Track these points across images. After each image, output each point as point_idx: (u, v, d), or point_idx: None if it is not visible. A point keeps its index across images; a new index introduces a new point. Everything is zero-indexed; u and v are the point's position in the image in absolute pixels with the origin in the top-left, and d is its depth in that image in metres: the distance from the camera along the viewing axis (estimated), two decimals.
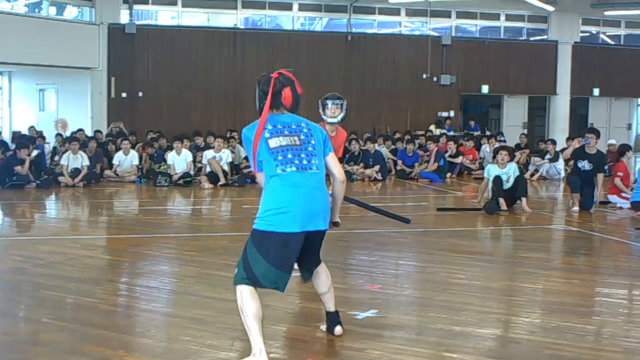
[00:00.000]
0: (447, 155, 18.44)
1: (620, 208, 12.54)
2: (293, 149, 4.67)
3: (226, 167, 16.15)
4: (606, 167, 12.60)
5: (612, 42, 29.87)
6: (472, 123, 26.54)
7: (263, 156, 4.63)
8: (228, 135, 19.06)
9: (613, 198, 12.85)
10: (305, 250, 4.78)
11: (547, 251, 9.40)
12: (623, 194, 12.72)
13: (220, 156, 16.18)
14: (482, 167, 19.08)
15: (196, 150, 17.55)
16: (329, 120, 7.35)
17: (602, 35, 29.89)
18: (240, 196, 14.51)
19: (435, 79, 26.90)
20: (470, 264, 8.10)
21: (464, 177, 18.87)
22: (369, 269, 7.71)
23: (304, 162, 4.67)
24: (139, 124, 22.86)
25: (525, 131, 26.27)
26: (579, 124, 28.87)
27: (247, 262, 4.62)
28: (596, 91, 28.83)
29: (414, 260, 8.26)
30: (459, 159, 18.95)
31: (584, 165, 12.24)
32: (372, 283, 6.99)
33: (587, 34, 29.47)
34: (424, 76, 26.80)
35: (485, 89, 27.58)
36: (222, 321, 5.70)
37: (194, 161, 16.64)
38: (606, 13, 28.20)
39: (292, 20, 26.55)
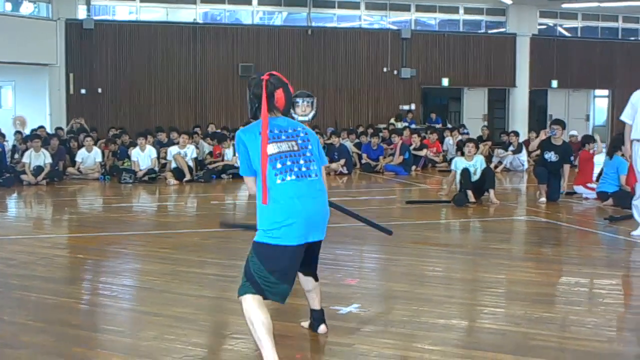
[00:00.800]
0: (411, 148, 18.48)
1: (586, 199, 12.68)
2: (292, 154, 4.51)
3: (191, 163, 16.02)
4: (572, 158, 12.74)
5: (569, 35, 30.20)
6: (433, 116, 26.68)
7: (256, 161, 4.46)
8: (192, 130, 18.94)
9: (579, 189, 12.98)
10: (305, 259, 4.65)
11: (519, 242, 9.50)
12: (589, 185, 12.87)
13: (185, 152, 16.03)
14: (446, 160, 19.26)
15: (159, 146, 17.39)
16: (300, 118, 7.25)
17: (559, 28, 30.21)
18: (206, 192, 14.40)
19: (395, 72, 27.01)
20: (445, 256, 8.17)
21: (429, 169, 18.95)
22: (346, 263, 7.69)
23: (303, 169, 4.52)
24: (99, 120, 22.66)
25: (486, 123, 26.50)
26: (538, 116, 29.26)
27: (251, 274, 4.47)
28: (554, 83, 29.18)
29: (389, 254, 8.23)
30: (423, 152, 19.01)
31: (551, 156, 12.36)
32: (350, 277, 6.99)
33: (545, 27, 29.79)
34: (385, 70, 26.89)
35: (445, 81, 27.76)
36: (204, 319, 5.66)
37: (158, 157, 16.46)
38: (563, 5, 28.54)
39: (251, 14, 26.40)
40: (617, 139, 12.61)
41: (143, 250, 8.48)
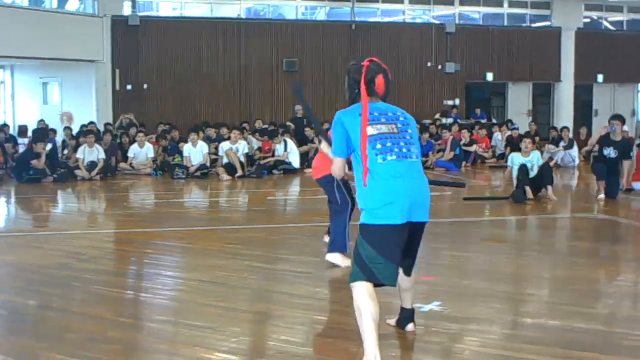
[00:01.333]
0: (461, 143, 18.35)
1: None
2: (392, 136, 4.49)
3: (243, 159, 16.03)
4: (632, 154, 12.55)
5: (615, 28, 29.77)
6: (477, 111, 26.48)
7: (356, 142, 4.44)
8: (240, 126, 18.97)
9: (637, 185, 12.76)
10: (407, 243, 4.61)
11: (589, 239, 9.28)
12: None
13: (237, 147, 16.04)
14: (495, 155, 19.11)
15: (209, 141, 17.40)
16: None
17: (604, 22, 29.81)
18: (260, 187, 14.43)
19: (439, 67, 26.81)
20: (515, 253, 8.13)
21: (478, 165, 18.79)
22: (418, 260, 7.63)
23: (404, 150, 4.49)
24: (145, 116, 22.72)
25: (531, 118, 26.25)
26: (583, 111, 28.91)
27: (362, 258, 4.42)
28: (600, 77, 28.77)
29: (459, 251, 8.17)
30: (473, 148, 18.87)
31: (610, 152, 12.18)
32: (425, 274, 6.93)
33: (590, 20, 29.40)
34: (429, 64, 26.71)
35: (489, 76, 27.48)
36: (290, 315, 5.62)
37: (209, 152, 16.50)
38: None
39: (295, 9, 26.38)
40: None
41: (210, 245, 8.45)
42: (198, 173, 15.73)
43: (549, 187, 11.96)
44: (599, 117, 28.30)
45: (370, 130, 4.44)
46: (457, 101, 26.97)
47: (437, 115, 25.19)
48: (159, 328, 5.35)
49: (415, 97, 26.58)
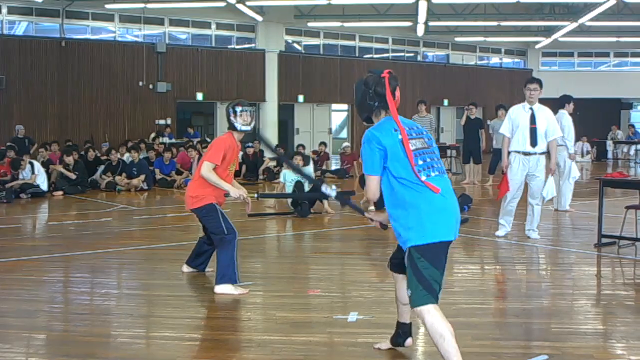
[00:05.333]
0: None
1: None
2: (427, 152, 4.35)
3: None
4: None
5: (313, 52, 31.59)
6: (191, 130, 26.80)
7: (396, 160, 4.25)
8: None
9: None
10: None
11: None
12: None
13: None
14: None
15: None
16: (243, 128, 7.12)
17: (303, 45, 31.55)
18: (27, 212, 13.46)
19: (151, 86, 26.79)
20: (356, 262, 8.57)
21: None
22: (281, 276, 7.86)
23: (439, 165, 4.38)
24: None
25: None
26: (286, 130, 30.45)
27: (425, 279, 4.21)
28: (301, 98, 30.49)
29: (315, 264, 8.38)
30: None
31: None
32: (310, 288, 7.16)
33: (291, 43, 31.00)
34: (140, 83, 26.61)
35: (199, 96, 28.01)
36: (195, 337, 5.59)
37: None
38: (309, 24, 29.94)
39: (0, 23, 24.79)
40: None
41: (56, 276, 7.90)
42: None
43: (325, 201, 12.59)
44: (300, 135, 30.05)
45: (410, 146, 4.29)
46: (169, 120, 27.10)
47: (153, 135, 25.09)
48: None
49: (127, 116, 26.36)
